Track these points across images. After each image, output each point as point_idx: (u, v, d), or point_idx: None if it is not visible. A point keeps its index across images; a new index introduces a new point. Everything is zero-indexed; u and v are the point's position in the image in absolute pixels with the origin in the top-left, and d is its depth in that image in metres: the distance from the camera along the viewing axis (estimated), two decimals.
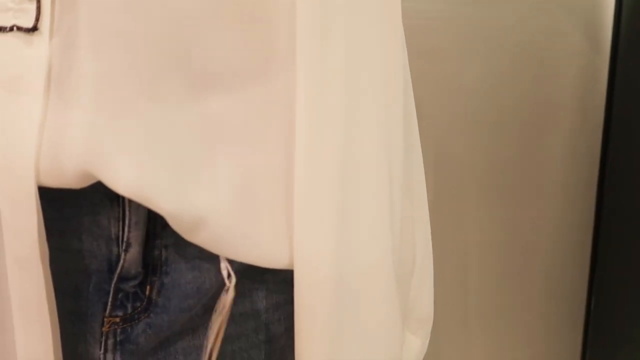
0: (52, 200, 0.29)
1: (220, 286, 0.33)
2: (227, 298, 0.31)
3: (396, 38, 0.35)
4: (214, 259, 0.33)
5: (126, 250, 0.31)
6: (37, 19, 0.28)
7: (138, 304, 0.33)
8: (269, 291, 0.35)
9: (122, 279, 0.32)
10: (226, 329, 0.32)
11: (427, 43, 0.69)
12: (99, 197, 0.31)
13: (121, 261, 0.32)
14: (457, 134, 0.72)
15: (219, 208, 0.29)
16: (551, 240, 0.78)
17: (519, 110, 0.74)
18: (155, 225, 0.32)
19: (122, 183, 0.27)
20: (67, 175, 0.27)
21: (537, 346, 0.81)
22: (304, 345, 0.32)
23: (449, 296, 0.70)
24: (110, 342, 0.33)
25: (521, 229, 0.77)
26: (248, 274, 0.34)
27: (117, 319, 0.33)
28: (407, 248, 0.41)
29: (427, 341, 0.49)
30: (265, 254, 0.31)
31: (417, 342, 0.47)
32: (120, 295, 0.33)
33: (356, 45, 0.32)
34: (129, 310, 0.33)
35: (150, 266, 0.33)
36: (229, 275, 0.32)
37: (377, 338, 0.35)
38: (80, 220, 0.31)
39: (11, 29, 0.28)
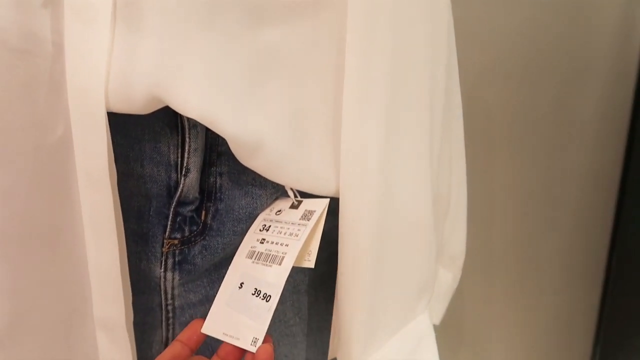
0: (118, 127, 0.31)
1: None
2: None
3: None
4: (265, 186, 0.35)
5: (185, 176, 0.34)
6: None
7: (194, 228, 0.35)
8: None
9: (181, 203, 0.34)
10: None
11: None
12: (159, 125, 0.33)
13: (180, 186, 0.34)
14: (489, 81, 0.72)
15: (274, 133, 0.31)
16: (578, 193, 0.79)
17: (551, 60, 0.74)
18: (211, 153, 0.34)
19: (189, 106, 0.29)
20: (135, 100, 0.29)
21: (558, 295, 0.82)
22: (348, 269, 0.35)
23: (473, 240, 0.72)
24: (169, 261, 0.35)
25: (549, 180, 0.77)
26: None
27: (176, 241, 0.35)
28: (443, 185, 0.43)
29: (459, 276, 0.51)
30: (314, 181, 0.33)
31: (449, 276, 0.50)
32: (178, 219, 0.35)
33: None
34: (187, 233, 0.35)
35: (206, 192, 0.35)
36: (295, 195, 0.35)
37: (413, 264, 0.37)
38: (143, 146, 0.33)
39: None
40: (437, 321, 0.51)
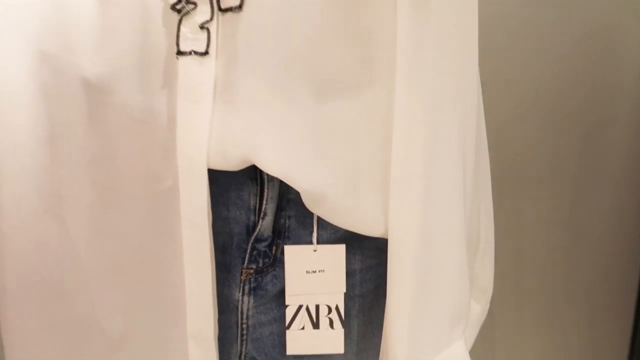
0: (211, 179, 0.40)
1: None
2: None
3: (471, 50, 0.43)
4: (326, 227, 0.43)
5: (263, 219, 0.42)
6: (208, 46, 0.38)
7: (267, 260, 0.43)
8: (364, 256, 0.45)
9: (257, 240, 0.42)
10: None
11: (493, 42, 0.75)
12: (243, 177, 0.41)
13: (258, 227, 0.42)
14: (520, 125, 0.78)
15: (334, 187, 0.39)
16: (604, 231, 0.83)
17: (579, 105, 0.80)
18: (282, 200, 0.42)
19: (271, 166, 0.37)
20: (229, 161, 0.38)
21: (585, 335, 0.86)
22: (394, 297, 0.42)
23: (502, 276, 0.77)
24: (246, 287, 0.43)
25: (576, 220, 0.83)
26: (349, 242, 0.43)
27: (252, 271, 0.43)
28: (474, 226, 0.49)
29: (487, 308, 0.57)
30: (367, 224, 0.41)
31: (478, 307, 0.56)
32: (254, 253, 0.43)
33: (442, 58, 0.40)
34: (260, 264, 0.43)
35: (277, 231, 0.43)
36: None
37: (449, 295, 0.44)
38: (229, 194, 0.42)
39: (189, 53, 0.38)
40: (468, 349, 0.57)
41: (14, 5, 0.37)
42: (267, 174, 0.41)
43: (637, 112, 0.81)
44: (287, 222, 0.43)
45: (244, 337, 0.45)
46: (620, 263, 0.85)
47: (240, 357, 0.46)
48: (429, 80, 0.39)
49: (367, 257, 0.45)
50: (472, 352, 0.54)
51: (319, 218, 0.41)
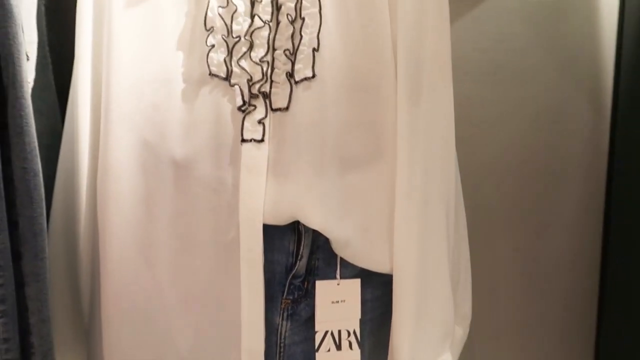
0: (265, 230, 0.53)
1: None
2: None
3: (450, 136, 0.59)
4: (347, 266, 0.57)
5: (300, 260, 0.55)
6: (263, 135, 0.52)
7: (301, 292, 0.57)
8: (373, 287, 0.58)
9: (294, 277, 0.56)
10: None
11: (473, 118, 0.92)
12: (286, 230, 0.55)
13: (296, 266, 0.56)
14: (490, 181, 0.94)
15: (356, 236, 0.53)
16: (561, 269, 0.98)
17: (536, 166, 0.96)
18: (314, 246, 0.56)
19: (312, 222, 0.51)
20: (280, 219, 0.52)
21: (552, 349, 1.00)
22: (398, 322, 0.55)
23: (480, 305, 0.92)
24: (285, 314, 0.56)
25: (538, 260, 0.98)
26: (362, 277, 0.57)
27: (289, 301, 0.56)
28: (455, 265, 0.64)
29: (467, 332, 0.71)
30: (377, 263, 0.55)
31: (460, 331, 0.70)
32: (292, 287, 0.56)
33: (429, 141, 0.56)
34: (296, 295, 0.56)
35: (309, 270, 0.57)
36: None
37: (439, 316, 0.58)
38: (275, 241, 0.55)
39: (250, 140, 0.52)
40: None
41: (126, 108, 0.52)
42: (304, 226, 0.55)
43: (583, 170, 0.97)
44: (317, 262, 0.56)
45: (281, 353, 0.58)
46: (578, 292, 1.00)
47: None
48: (421, 158, 0.55)
49: (376, 289, 0.58)
50: None
51: (341, 258, 0.55)
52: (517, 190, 0.96)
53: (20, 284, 0.43)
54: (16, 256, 0.43)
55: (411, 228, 0.55)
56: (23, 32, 0.44)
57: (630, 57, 0.93)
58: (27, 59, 0.45)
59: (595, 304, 1.00)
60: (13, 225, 0.43)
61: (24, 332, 0.44)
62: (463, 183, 0.92)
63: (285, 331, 0.57)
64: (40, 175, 0.45)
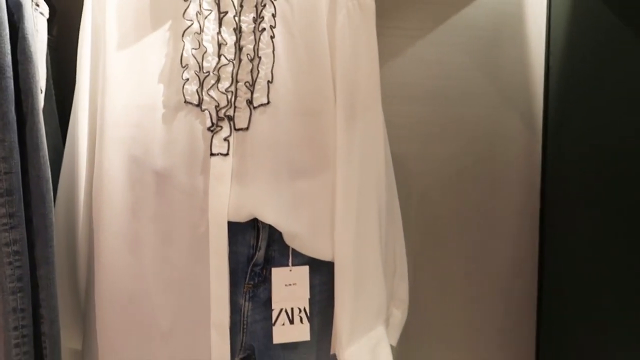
0: (229, 226, 0.66)
1: None
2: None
3: (380, 135, 0.73)
4: (297, 255, 0.69)
5: (259, 251, 0.68)
6: (228, 150, 0.65)
7: (260, 278, 0.69)
8: (321, 274, 0.71)
9: (254, 265, 0.69)
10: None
11: (416, 133, 1.06)
12: (246, 226, 0.68)
13: (255, 256, 0.68)
14: (435, 189, 1.08)
15: (304, 231, 0.66)
16: (501, 274, 1.11)
17: (476, 174, 1.10)
18: (270, 239, 0.69)
19: (268, 219, 0.64)
20: (242, 216, 0.65)
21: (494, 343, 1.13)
22: (339, 300, 0.68)
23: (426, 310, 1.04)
24: (247, 296, 0.69)
25: (481, 259, 1.11)
26: (311, 265, 0.70)
27: (250, 285, 0.69)
28: (390, 254, 0.77)
29: (405, 315, 0.84)
30: (323, 253, 0.68)
31: (399, 314, 0.83)
32: (252, 274, 0.69)
33: (363, 155, 0.69)
34: (256, 281, 0.69)
35: (266, 259, 0.69)
36: None
37: (373, 295, 0.71)
38: (237, 236, 0.68)
39: (217, 154, 0.65)
40: (394, 343, 0.83)
41: (117, 129, 0.65)
42: (262, 223, 0.67)
43: (517, 184, 1.11)
44: (273, 253, 0.69)
45: (244, 330, 0.70)
46: (518, 294, 1.13)
47: (242, 344, 0.70)
48: (357, 168, 0.68)
49: (323, 276, 0.71)
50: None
51: (292, 249, 0.68)
52: (460, 197, 1.10)
53: (33, 267, 0.56)
54: (31, 245, 0.55)
55: (348, 224, 0.68)
56: (37, 70, 0.57)
57: (556, 78, 1.08)
58: (41, 92, 0.58)
59: (535, 302, 1.13)
60: (28, 220, 0.55)
61: (36, 305, 0.56)
62: (411, 192, 1.08)
63: (248, 311, 0.69)
64: (50, 182, 0.58)
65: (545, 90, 1.10)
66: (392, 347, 0.80)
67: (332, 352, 0.71)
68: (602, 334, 0.90)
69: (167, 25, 0.66)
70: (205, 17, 0.65)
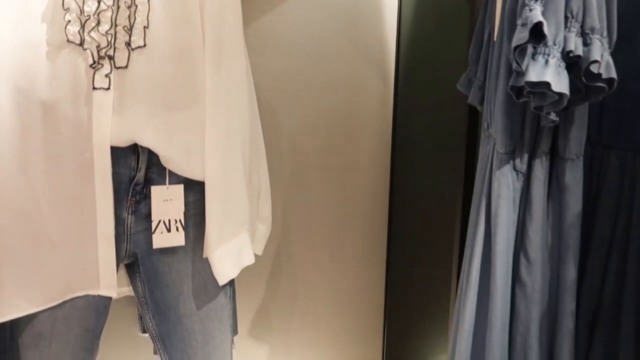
0: (112, 152, 0.78)
1: None
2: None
3: (243, 83, 0.87)
4: (172, 175, 0.83)
5: (139, 172, 0.81)
6: (109, 85, 0.76)
7: (141, 196, 0.82)
8: (194, 192, 0.85)
9: (136, 184, 0.81)
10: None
11: (289, 86, 1.21)
12: (127, 150, 0.80)
13: (136, 177, 0.81)
14: (304, 133, 1.25)
15: (178, 154, 0.80)
16: (359, 199, 1.32)
17: (338, 121, 1.28)
18: (149, 162, 0.81)
19: (146, 143, 0.77)
20: (122, 141, 0.76)
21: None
22: (209, 211, 0.83)
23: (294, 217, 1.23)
24: (130, 210, 0.82)
25: (340, 191, 1.31)
26: (186, 184, 0.84)
27: (133, 201, 0.82)
28: (254, 180, 0.94)
29: (269, 230, 1.02)
30: (194, 173, 0.82)
31: (263, 228, 1.01)
32: (134, 192, 0.81)
33: (228, 91, 0.83)
34: (138, 198, 0.82)
35: (147, 179, 0.82)
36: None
37: (240, 208, 0.87)
38: (119, 160, 0.79)
39: (100, 88, 0.76)
40: (260, 252, 1.01)
41: (5, 64, 0.72)
42: (142, 147, 0.80)
43: (373, 129, 1.32)
44: (152, 175, 0.82)
45: (128, 239, 0.83)
46: (371, 216, 1.35)
47: (126, 251, 0.83)
48: (222, 104, 0.83)
49: (196, 194, 0.85)
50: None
51: (169, 170, 0.81)
52: (324, 139, 1.28)
53: None
54: None
55: (216, 150, 0.82)
56: None
57: (406, 41, 1.28)
58: None
59: (386, 222, 1.37)
60: None
61: None
62: (282, 134, 1.24)
63: (130, 223, 0.82)
64: None
65: (397, 49, 1.30)
66: (258, 256, 0.98)
67: (204, 256, 0.87)
68: (444, 238, 1.18)
69: None
70: None
